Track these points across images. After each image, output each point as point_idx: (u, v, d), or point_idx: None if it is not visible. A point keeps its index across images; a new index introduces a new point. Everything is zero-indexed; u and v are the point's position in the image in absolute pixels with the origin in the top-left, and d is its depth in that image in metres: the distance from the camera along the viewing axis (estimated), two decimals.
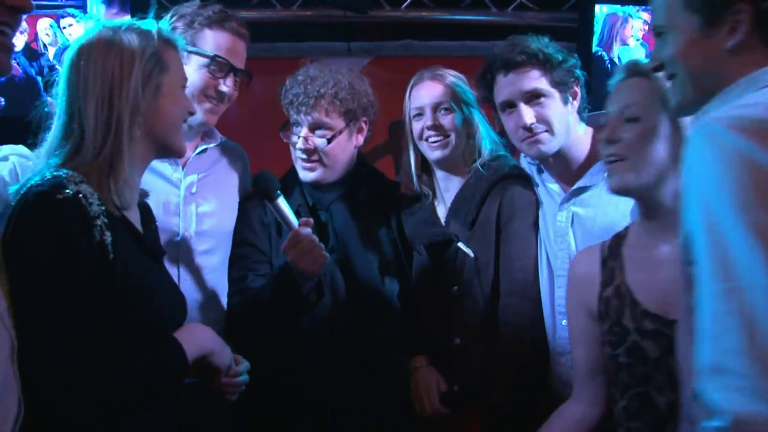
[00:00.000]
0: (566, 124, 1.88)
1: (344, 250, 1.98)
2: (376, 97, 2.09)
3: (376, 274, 2.00)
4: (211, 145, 2.05)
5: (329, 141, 1.96)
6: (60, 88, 1.41)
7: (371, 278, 1.98)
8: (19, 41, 2.96)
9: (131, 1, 3.10)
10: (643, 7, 3.45)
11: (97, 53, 1.38)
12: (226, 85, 1.93)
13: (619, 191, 1.51)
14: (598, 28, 3.38)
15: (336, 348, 1.94)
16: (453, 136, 2.03)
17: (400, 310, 2.04)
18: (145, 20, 1.50)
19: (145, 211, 1.56)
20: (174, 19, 1.92)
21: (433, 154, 2.06)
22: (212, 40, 1.91)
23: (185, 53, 1.84)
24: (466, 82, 2.09)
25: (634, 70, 1.54)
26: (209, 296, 1.94)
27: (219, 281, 1.98)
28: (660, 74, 1.34)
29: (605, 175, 1.73)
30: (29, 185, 1.31)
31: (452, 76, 2.08)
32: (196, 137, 2.03)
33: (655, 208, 1.50)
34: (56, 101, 1.42)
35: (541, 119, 1.85)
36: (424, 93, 2.06)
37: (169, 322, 1.45)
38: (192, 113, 1.57)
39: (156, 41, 1.44)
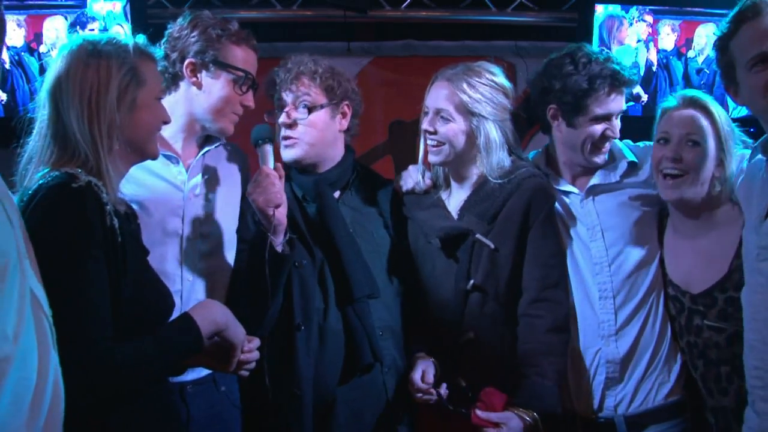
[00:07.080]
0: None
1: (332, 240, 1.99)
2: (361, 94, 2.17)
3: (367, 266, 2.01)
4: (214, 146, 2.06)
5: (309, 110, 2.03)
6: (42, 100, 1.47)
7: (360, 269, 2.00)
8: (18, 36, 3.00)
9: (131, 2, 3.12)
10: (647, 8, 3.45)
11: (75, 69, 1.44)
12: (250, 99, 2.01)
13: (675, 202, 1.97)
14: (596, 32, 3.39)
15: (331, 347, 1.96)
16: (446, 146, 2.02)
17: (392, 300, 2.07)
18: (123, 34, 1.58)
19: (129, 209, 1.63)
20: (192, 27, 1.95)
21: (429, 156, 2.08)
22: (241, 58, 1.98)
23: (212, 66, 1.92)
24: (494, 87, 2.02)
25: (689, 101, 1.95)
26: (214, 297, 1.93)
27: (223, 282, 1.99)
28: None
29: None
30: (35, 187, 1.37)
31: (469, 83, 2.00)
32: (199, 140, 2.05)
33: (698, 213, 1.96)
34: (39, 111, 1.48)
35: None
36: (433, 93, 2.06)
37: (168, 306, 1.54)
38: (167, 122, 1.63)
39: (132, 56, 1.50)
